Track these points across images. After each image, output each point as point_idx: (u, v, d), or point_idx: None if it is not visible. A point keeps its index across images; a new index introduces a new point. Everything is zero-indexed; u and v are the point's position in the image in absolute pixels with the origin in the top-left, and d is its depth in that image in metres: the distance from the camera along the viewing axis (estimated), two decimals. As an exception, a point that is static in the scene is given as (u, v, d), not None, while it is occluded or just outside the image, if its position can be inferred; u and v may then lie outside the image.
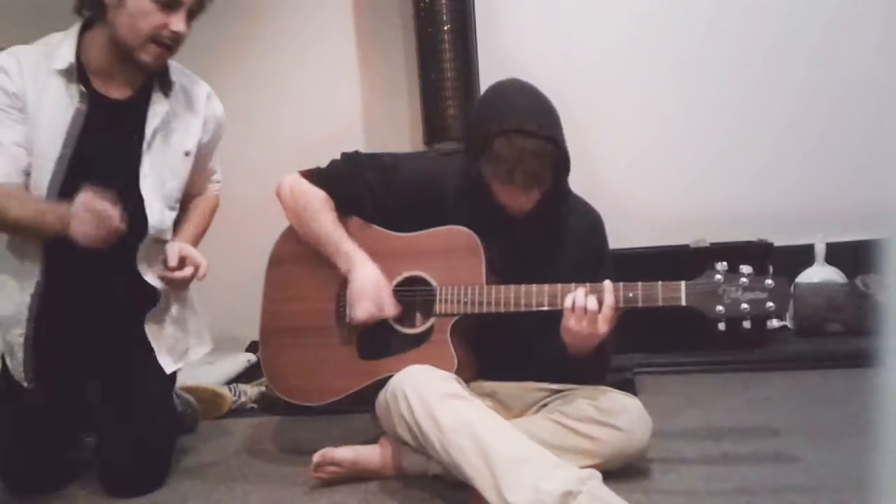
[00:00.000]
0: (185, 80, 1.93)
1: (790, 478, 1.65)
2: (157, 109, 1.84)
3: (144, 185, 1.82)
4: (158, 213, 1.85)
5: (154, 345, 1.91)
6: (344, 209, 1.87)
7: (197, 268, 1.85)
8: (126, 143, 1.81)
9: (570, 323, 1.60)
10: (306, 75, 3.33)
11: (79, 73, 1.76)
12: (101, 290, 1.84)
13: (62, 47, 1.76)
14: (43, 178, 1.73)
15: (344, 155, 1.92)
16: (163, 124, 1.84)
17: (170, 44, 1.75)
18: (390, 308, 1.77)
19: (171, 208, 1.90)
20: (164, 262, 1.84)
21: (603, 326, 1.59)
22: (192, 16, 1.77)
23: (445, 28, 2.86)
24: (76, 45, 1.76)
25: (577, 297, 1.59)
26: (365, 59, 3.30)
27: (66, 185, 1.73)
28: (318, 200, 1.85)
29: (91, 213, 1.62)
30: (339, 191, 1.86)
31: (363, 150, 1.94)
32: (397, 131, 3.18)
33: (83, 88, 1.76)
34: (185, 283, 1.87)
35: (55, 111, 1.73)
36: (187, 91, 1.92)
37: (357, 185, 1.85)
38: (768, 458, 1.79)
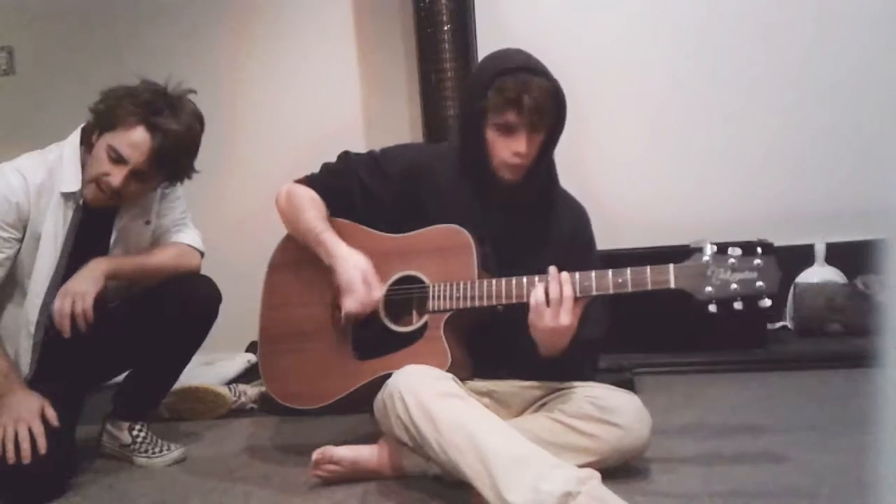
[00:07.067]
0: None
1: (790, 478, 1.65)
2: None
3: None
4: None
5: None
6: (335, 205, 1.89)
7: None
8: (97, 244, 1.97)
9: (531, 318, 1.59)
10: (306, 75, 3.33)
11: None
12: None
13: (67, 169, 1.90)
14: (41, 284, 1.89)
15: (336, 157, 1.97)
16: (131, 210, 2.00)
17: (105, 191, 1.87)
18: (377, 290, 1.77)
19: None
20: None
21: (565, 318, 1.56)
22: (137, 177, 1.87)
23: (445, 28, 2.86)
24: (81, 169, 1.91)
25: (536, 291, 1.58)
26: (365, 59, 3.30)
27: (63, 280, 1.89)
28: (306, 199, 1.89)
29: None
30: (330, 186, 1.90)
31: (363, 150, 1.97)
32: (397, 131, 3.18)
33: (80, 203, 1.92)
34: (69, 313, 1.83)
35: (53, 226, 1.89)
36: None
37: (348, 179, 1.90)
38: (768, 459, 1.78)
